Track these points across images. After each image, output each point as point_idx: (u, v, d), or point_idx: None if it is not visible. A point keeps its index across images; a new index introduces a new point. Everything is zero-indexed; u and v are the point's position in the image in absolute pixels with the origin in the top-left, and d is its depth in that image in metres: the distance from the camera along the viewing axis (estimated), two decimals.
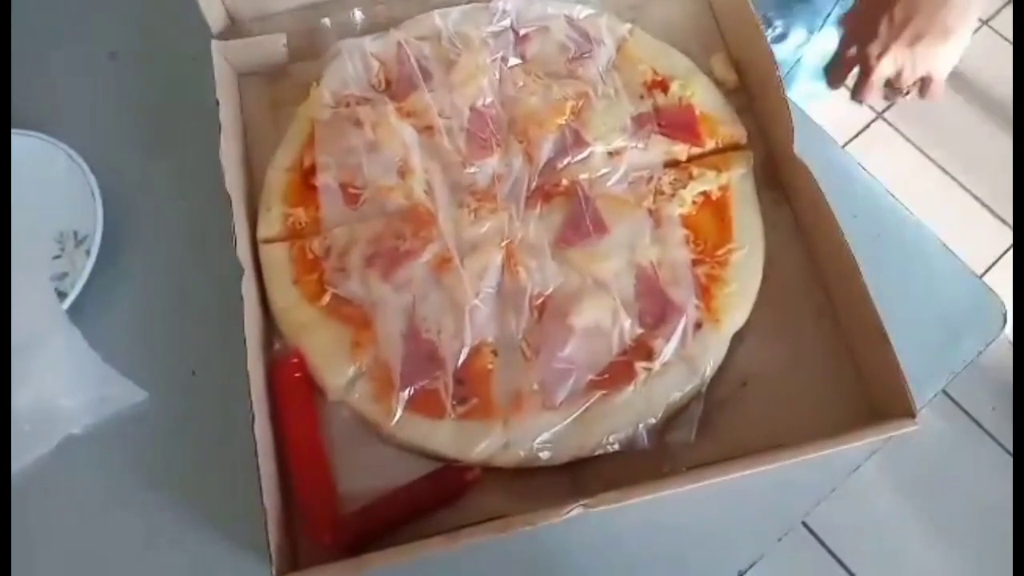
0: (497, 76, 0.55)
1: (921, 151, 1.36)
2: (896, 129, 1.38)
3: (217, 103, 0.51)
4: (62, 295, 0.49)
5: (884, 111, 1.38)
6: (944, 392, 0.50)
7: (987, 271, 1.24)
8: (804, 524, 1.00)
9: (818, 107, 0.61)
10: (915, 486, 1.09)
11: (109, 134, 0.56)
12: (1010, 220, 1.28)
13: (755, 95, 0.56)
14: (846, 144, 1.36)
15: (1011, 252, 1.25)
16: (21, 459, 0.43)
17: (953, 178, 1.34)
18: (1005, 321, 0.52)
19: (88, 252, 0.50)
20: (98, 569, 0.45)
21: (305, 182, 0.52)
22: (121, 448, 0.46)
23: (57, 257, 0.52)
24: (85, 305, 0.49)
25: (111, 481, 0.46)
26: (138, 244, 0.53)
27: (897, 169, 1.29)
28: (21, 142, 0.54)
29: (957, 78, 1.34)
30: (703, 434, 0.47)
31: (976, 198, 1.31)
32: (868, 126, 1.39)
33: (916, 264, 0.54)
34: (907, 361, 0.44)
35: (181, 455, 0.47)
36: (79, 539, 0.45)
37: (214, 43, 0.53)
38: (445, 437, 0.45)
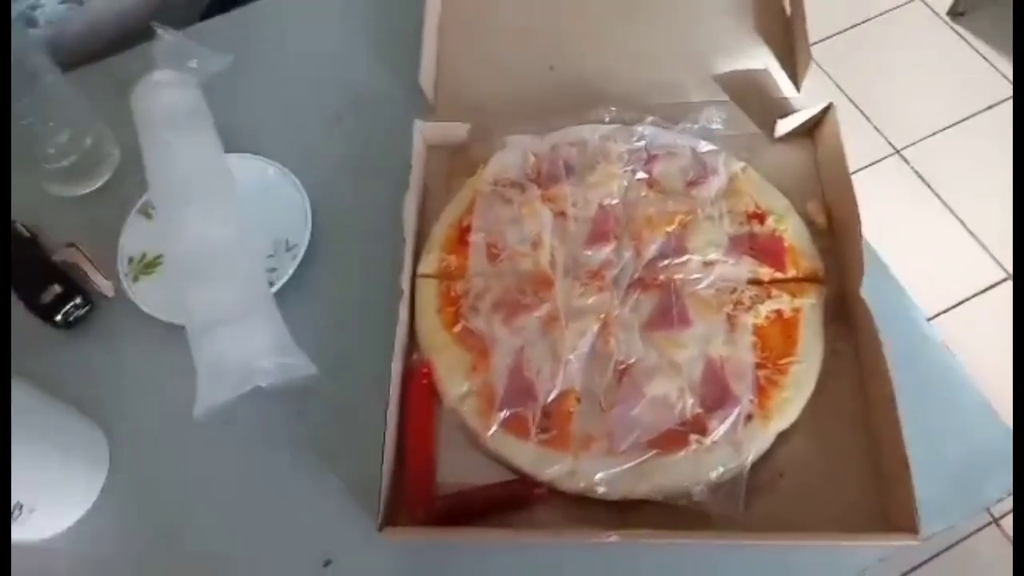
0: (625, 184, 0.67)
1: None
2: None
3: (410, 167, 0.66)
4: (269, 284, 0.64)
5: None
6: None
7: None
8: None
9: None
10: None
11: (328, 173, 0.72)
12: None
13: (838, 239, 0.65)
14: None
15: None
16: (219, 397, 0.56)
17: None
18: None
19: (294, 258, 0.66)
20: (241, 493, 0.59)
21: (461, 237, 0.65)
22: (289, 406, 0.60)
23: (271, 256, 0.67)
24: (285, 295, 0.64)
25: (275, 428, 0.60)
26: (332, 258, 0.68)
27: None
28: (265, 167, 0.71)
29: None
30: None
31: None
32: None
33: (955, 416, 0.60)
34: (928, 491, 0.50)
35: (328, 422, 0.60)
36: (239, 466, 0.60)
37: (416, 123, 0.69)
38: (526, 456, 0.56)
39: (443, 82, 0.76)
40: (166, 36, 0.77)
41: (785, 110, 0.71)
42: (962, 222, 1.51)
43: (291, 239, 0.67)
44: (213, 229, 0.65)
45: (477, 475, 0.57)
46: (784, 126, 0.70)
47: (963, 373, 0.62)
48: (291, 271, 0.65)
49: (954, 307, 1.42)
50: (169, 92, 0.73)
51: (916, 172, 1.58)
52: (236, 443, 0.60)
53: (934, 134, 1.61)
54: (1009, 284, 1.43)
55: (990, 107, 1.63)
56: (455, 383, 0.59)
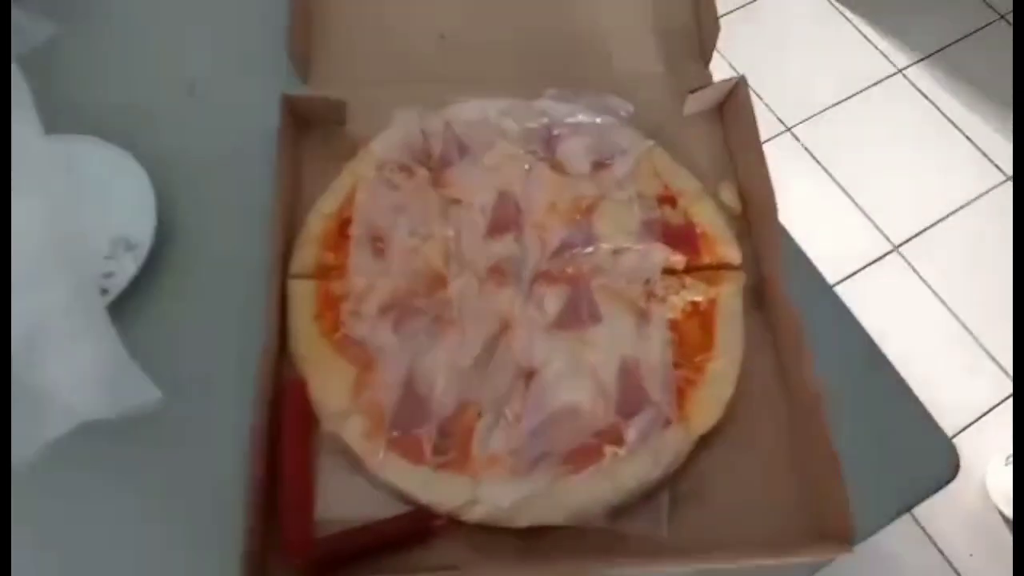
0: (526, 166, 0.61)
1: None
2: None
3: (277, 149, 0.57)
4: (104, 291, 0.54)
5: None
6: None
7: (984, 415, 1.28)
8: None
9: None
10: None
11: (179, 157, 0.62)
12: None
13: (754, 223, 0.61)
14: (847, 278, 1.44)
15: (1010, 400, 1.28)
16: (41, 439, 0.46)
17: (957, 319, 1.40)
18: (956, 471, 0.56)
19: (136, 259, 0.56)
20: (72, 555, 0.49)
21: (340, 231, 0.58)
22: (132, 441, 0.50)
23: (107, 258, 0.57)
24: (126, 304, 0.55)
25: (116, 471, 0.51)
26: (184, 258, 0.59)
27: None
28: (99, 151, 0.60)
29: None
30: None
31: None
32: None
33: (882, 406, 0.57)
34: (857, 490, 0.47)
35: (180, 458, 0.51)
36: (69, 521, 0.50)
37: (282, 95, 0.60)
38: (420, 482, 0.49)
39: (317, 48, 0.67)
40: None
41: (693, 85, 0.66)
42: (851, 197, 1.55)
43: (133, 237, 0.57)
44: (31, 228, 0.53)
45: (364, 509, 0.49)
46: (694, 101, 0.65)
47: (892, 367, 0.59)
48: (132, 275, 0.56)
49: (846, 279, 1.45)
50: None
51: (807, 149, 1.61)
52: (65, 494, 0.50)
53: (821, 112, 1.65)
54: (895, 256, 1.48)
55: (874, 84, 1.68)
56: (335, 401, 0.52)
